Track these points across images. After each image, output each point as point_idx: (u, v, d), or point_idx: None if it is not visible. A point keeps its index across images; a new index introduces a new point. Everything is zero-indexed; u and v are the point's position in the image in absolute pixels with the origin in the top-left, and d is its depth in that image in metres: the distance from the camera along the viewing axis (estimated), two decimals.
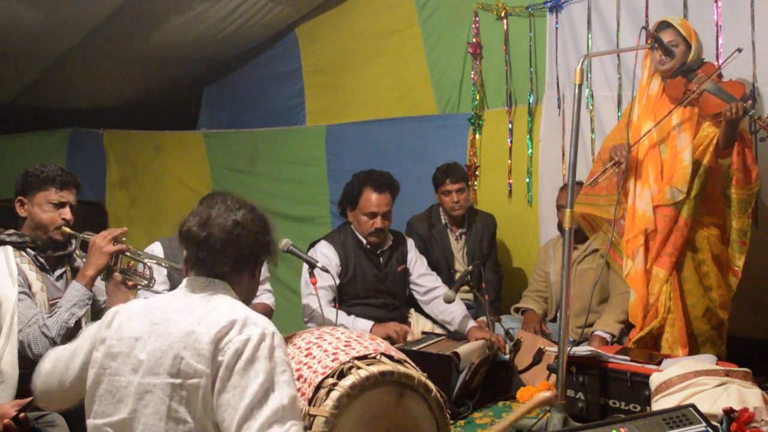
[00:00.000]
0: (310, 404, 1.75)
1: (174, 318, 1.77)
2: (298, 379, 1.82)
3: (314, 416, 1.72)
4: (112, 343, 1.81)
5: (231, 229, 1.88)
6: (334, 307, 3.46)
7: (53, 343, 2.48)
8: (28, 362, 2.49)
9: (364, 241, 3.73)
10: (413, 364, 1.94)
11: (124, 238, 2.67)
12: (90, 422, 1.81)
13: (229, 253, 1.87)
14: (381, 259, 3.79)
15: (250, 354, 1.67)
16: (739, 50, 3.23)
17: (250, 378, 1.65)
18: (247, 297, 1.96)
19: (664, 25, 3.30)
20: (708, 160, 3.24)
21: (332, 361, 1.83)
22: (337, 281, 3.63)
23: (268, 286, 3.80)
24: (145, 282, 2.78)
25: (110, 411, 1.76)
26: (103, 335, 1.84)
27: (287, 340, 2.00)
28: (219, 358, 1.68)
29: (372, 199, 3.63)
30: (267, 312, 3.70)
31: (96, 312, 2.80)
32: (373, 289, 3.75)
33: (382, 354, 1.89)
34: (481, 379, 3.30)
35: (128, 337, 1.80)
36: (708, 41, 3.58)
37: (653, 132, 3.34)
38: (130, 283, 2.68)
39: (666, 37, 3.26)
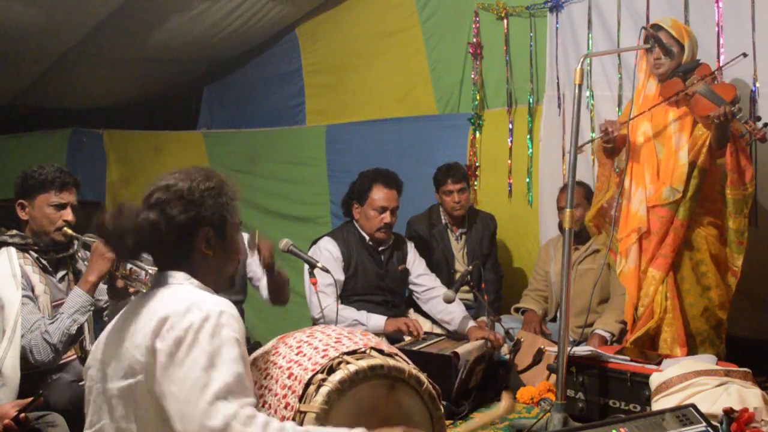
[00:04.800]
0: (300, 401, 1.74)
1: (131, 319, 1.73)
2: (288, 377, 1.81)
3: (304, 413, 1.72)
4: (92, 356, 1.82)
5: (141, 214, 1.77)
6: (339, 303, 3.49)
7: (54, 349, 2.48)
8: (29, 365, 2.50)
9: (367, 238, 3.77)
10: (404, 357, 1.94)
11: None
12: None
13: (146, 241, 1.77)
14: (382, 257, 3.81)
15: (190, 340, 1.61)
16: (745, 55, 3.25)
17: (191, 364, 1.59)
18: (217, 278, 1.87)
19: (656, 28, 3.31)
20: (702, 161, 3.24)
21: (322, 357, 1.82)
22: (342, 276, 3.66)
23: None
24: (146, 289, 2.76)
25: (95, 420, 1.76)
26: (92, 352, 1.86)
27: (280, 340, 2.00)
28: (158, 345, 1.62)
29: (382, 193, 3.70)
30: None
31: (97, 312, 2.80)
32: (374, 286, 3.77)
33: (372, 348, 1.88)
34: (478, 379, 3.30)
35: (99, 342, 1.81)
36: (709, 41, 3.58)
37: (649, 132, 3.35)
38: (131, 290, 2.67)
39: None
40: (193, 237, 1.80)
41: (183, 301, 1.68)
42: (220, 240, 1.84)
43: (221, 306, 1.68)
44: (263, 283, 3.43)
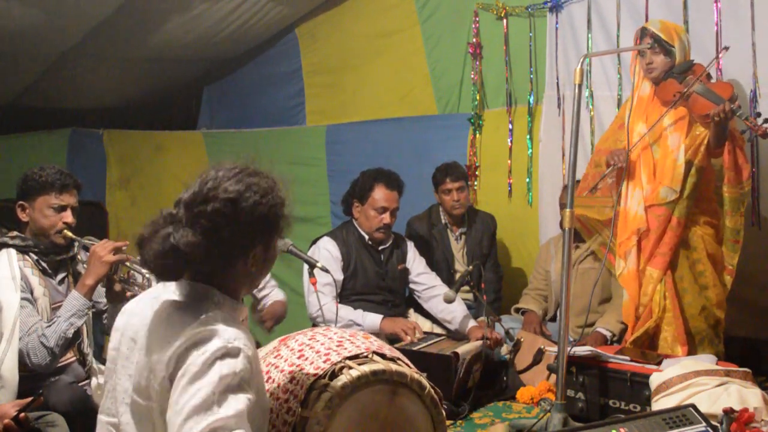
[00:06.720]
0: (302, 405, 1.74)
1: (155, 331, 1.61)
2: (291, 381, 1.80)
3: (306, 418, 1.72)
4: (120, 338, 1.70)
5: (222, 208, 1.57)
6: (338, 303, 3.48)
7: (51, 353, 2.48)
8: (27, 368, 2.49)
9: (366, 238, 3.77)
10: (407, 362, 1.94)
11: (124, 248, 2.65)
12: (99, 417, 1.74)
13: (211, 245, 1.56)
14: (382, 256, 3.81)
15: (199, 367, 1.47)
16: (726, 48, 3.28)
17: (193, 391, 1.46)
18: (246, 289, 1.75)
19: (644, 32, 3.31)
20: (700, 160, 3.25)
21: (324, 362, 1.81)
22: (341, 276, 3.65)
23: (272, 281, 3.75)
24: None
25: (113, 411, 1.69)
26: (118, 323, 1.74)
27: (282, 342, 1.99)
28: (176, 377, 1.51)
29: (384, 194, 3.71)
30: (283, 307, 3.62)
31: (96, 314, 2.80)
32: (373, 285, 3.78)
33: (375, 352, 1.87)
34: (477, 379, 3.30)
35: (128, 338, 1.67)
36: (708, 41, 3.58)
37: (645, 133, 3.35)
38: (128, 294, 2.66)
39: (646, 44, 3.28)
40: (244, 257, 1.64)
41: (203, 329, 1.54)
42: (265, 253, 1.69)
43: (241, 339, 1.54)
44: None
